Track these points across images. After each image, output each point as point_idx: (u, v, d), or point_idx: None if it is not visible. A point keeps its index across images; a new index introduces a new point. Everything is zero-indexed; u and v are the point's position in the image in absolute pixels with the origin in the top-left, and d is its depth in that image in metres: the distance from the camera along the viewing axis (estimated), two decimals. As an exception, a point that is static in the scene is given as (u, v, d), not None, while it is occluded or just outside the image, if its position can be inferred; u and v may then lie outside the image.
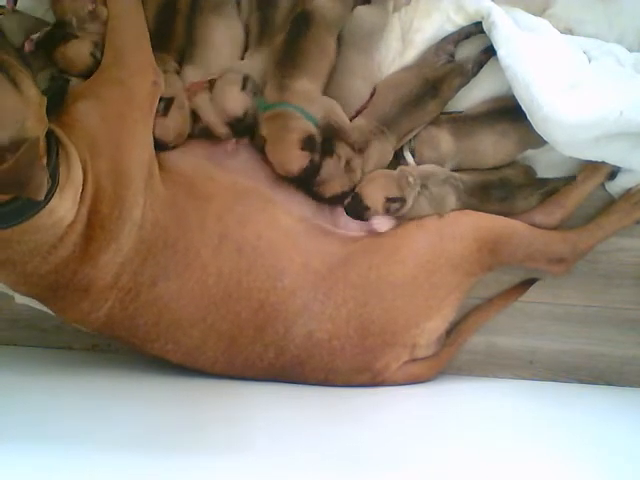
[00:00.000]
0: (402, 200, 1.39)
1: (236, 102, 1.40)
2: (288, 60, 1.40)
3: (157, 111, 1.36)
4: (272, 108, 1.40)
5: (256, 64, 1.44)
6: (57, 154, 1.19)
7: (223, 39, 1.45)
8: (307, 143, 1.37)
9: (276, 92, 1.40)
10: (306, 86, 1.40)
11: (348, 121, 1.43)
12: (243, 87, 1.40)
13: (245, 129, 1.42)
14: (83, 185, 1.23)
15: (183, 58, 1.46)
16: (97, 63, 1.35)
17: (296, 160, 1.38)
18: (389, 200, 1.38)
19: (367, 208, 1.39)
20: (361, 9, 1.45)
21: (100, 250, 1.24)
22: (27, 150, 1.05)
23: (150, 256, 1.29)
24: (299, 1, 1.46)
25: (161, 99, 1.37)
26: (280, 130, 1.38)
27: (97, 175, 1.25)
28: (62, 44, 1.35)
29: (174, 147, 1.39)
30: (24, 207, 1.13)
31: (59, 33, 1.36)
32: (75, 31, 1.36)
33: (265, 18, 1.46)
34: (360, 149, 1.41)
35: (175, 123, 1.38)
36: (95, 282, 1.26)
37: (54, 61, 1.36)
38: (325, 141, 1.40)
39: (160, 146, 1.36)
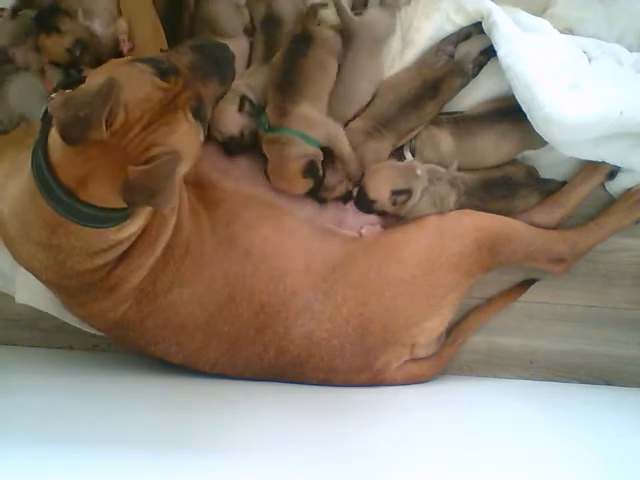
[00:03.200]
0: (408, 192, 1.39)
1: (232, 122, 1.41)
2: (288, 83, 1.40)
3: None
4: (273, 132, 1.40)
5: (258, 81, 1.45)
6: None
7: None
8: (309, 170, 1.39)
9: (277, 115, 1.40)
10: (307, 110, 1.40)
11: (349, 149, 1.43)
12: (240, 108, 1.41)
13: (242, 148, 1.43)
14: None
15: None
16: (74, 59, 1.36)
17: (300, 188, 1.41)
18: (395, 193, 1.38)
19: (373, 201, 1.40)
20: (374, 13, 1.44)
21: (136, 255, 1.25)
22: (168, 161, 1.07)
23: (172, 261, 1.30)
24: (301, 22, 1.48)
25: None
26: (281, 158, 1.39)
27: None
28: (45, 34, 1.36)
29: None
30: (111, 218, 1.15)
31: (46, 22, 1.37)
32: (64, 23, 1.36)
33: (269, 39, 1.47)
34: (356, 183, 1.43)
35: None
36: (123, 283, 1.26)
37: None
38: (326, 154, 1.42)
39: None
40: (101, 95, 1.03)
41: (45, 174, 1.09)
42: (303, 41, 1.42)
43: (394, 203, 1.40)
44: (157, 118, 1.09)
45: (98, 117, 1.02)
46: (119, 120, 1.05)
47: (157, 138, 1.08)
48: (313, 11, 1.47)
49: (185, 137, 1.12)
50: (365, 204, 1.42)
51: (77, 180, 1.09)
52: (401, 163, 1.44)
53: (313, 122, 1.41)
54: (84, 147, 1.05)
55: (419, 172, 1.40)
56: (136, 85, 1.08)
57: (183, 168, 1.13)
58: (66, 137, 1.04)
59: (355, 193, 1.45)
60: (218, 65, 1.20)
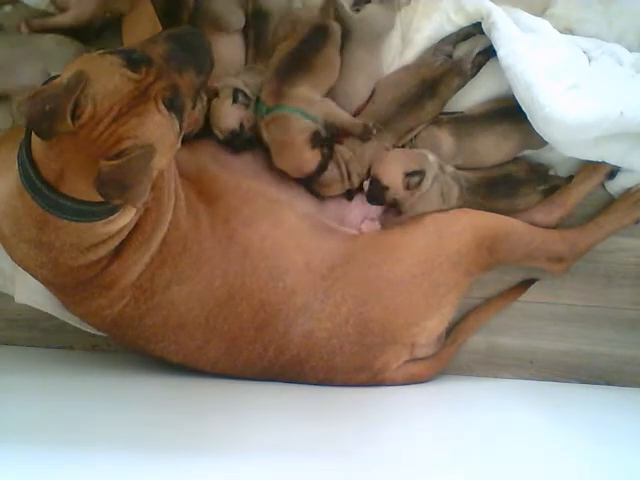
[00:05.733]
0: (421, 173, 1.38)
1: (229, 116, 1.40)
2: (291, 72, 1.40)
3: None
4: (271, 112, 1.40)
5: (254, 77, 1.45)
6: None
7: (226, 54, 1.45)
8: (315, 140, 1.37)
9: (273, 98, 1.40)
10: (305, 92, 1.40)
11: (348, 116, 1.43)
12: (234, 100, 1.40)
13: (244, 142, 1.42)
14: None
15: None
16: None
17: (311, 160, 1.39)
18: (408, 175, 1.38)
19: (386, 188, 1.39)
20: (372, 9, 1.44)
21: (131, 251, 1.25)
22: (141, 155, 1.06)
23: (170, 258, 1.29)
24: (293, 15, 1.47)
25: None
26: (284, 134, 1.38)
27: None
28: None
29: (190, 133, 1.39)
30: (94, 212, 1.14)
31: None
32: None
33: (259, 34, 1.46)
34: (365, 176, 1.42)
35: (197, 112, 1.39)
36: (119, 280, 1.26)
37: None
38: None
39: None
40: (67, 88, 1.04)
41: (28, 169, 1.10)
42: (320, 36, 1.41)
43: (407, 186, 1.39)
44: (127, 110, 1.07)
45: (63, 110, 1.02)
46: (87, 112, 1.05)
47: (128, 130, 1.07)
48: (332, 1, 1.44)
49: (158, 129, 1.11)
50: (378, 193, 1.40)
51: (55, 174, 1.09)
52: (410, 150, 1.43)
53: (311, 101, 1.40)
54: (57, 140, 1.06)
55: (431, 158, 1.39)
56: (105, 77, 1.07)
57: (158, 161, 1.12)
58: (36, 131, 1.05)
59: (366, 187, 1.43)
60: (194, 54, 1.18)
